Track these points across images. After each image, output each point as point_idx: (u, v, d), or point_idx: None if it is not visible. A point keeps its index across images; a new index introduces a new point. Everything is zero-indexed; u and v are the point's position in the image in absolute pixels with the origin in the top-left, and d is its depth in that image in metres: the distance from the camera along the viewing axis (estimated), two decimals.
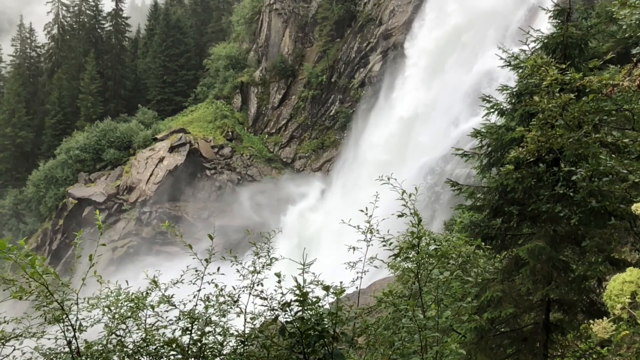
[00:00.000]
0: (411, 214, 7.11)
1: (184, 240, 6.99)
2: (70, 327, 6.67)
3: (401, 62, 56.11)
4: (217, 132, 62.49)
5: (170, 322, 7.06)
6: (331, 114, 61.38)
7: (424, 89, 50.92)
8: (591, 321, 4.80)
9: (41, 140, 72.09)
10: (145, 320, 7.29)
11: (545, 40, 10.35)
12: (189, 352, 6.66)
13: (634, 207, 5.48)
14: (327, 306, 6.45)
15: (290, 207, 55.69)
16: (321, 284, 6.46)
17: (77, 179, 60.71)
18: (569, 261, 9.72)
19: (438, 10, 54.25)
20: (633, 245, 10.35)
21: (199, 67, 75.16)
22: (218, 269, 7.06)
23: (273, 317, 6.51)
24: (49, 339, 6.91)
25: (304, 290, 6.25)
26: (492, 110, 11.07)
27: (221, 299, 7.12)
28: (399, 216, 7.24)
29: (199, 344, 6.76)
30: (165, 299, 7.15)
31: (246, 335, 6.83)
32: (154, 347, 6.84)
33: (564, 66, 9.18)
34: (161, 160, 58.75)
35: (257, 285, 7.03)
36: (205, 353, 6.77)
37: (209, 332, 6.87)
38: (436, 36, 52.28)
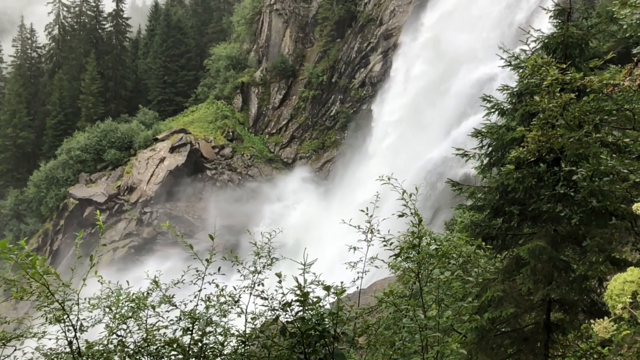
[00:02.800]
0: (412, 214, 7.11)
1: (185, 241, 7.00)
2: (71, 327, 6.68)
3: (368, 130, 54.02)
4: (217, 133, 62.53)
5: (171, 322, 7.06)
6: (332, 114, 61.39)
7: (394, 166, 48.14)
8: (592, 321, 4.80)
9: (42, 140, 72.15)
10: (146, 321, 7.29)
11: (546, 40, 10.35)
12: (190, 352, 6.67)
13: (634, 206, 5.48)
14: (328, 306, 6.45)
15: (267, 210, 54.51)
16: (322, 284, 6.47)
17: (78, 179, 60.75)
18: (569, 261, 9.72)
19: (405, 72, 51.74)
20: (634, 245, 10.35)
21: (199, 68, 75.20)
22: (219, 269, 7.07)
23: (274, 317, 6.52)
24: (50, 339, 6.92)
25: (305, 291, 6.25)
26: (493, 110, 11.06)
27: (222, 299, 7.12)
28: (400, 216, 7.24)
29: (200, 344, 6.76)
30: (166, 299, 7.16)
31: (247, 335, 6.83)
32: (154, 347, 6.85)
33: (564, 66, 9.17)
34: (162, 160, 58.77)
35: (258, 285, 7.03)
36: (206, 353, 6.78)
37: (210, 332, 6.87)
38: (404, 103, 49.32)
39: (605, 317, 4.70)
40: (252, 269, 7.14)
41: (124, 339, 7.05)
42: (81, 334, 6.76)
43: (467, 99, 40.96)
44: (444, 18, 49.83)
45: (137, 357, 6.79)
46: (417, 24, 53.16)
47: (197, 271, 7.10)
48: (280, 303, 6.50)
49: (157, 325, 7.16)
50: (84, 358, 6.64)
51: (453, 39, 46.98)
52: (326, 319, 6.16)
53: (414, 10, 54.69)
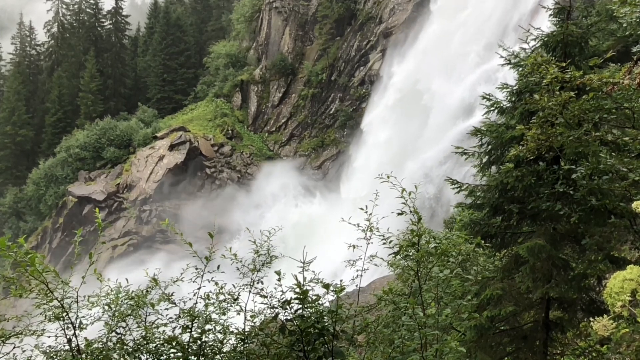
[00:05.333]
0: (411, 212, 7.11)
1: (184, 239, 6.99)
2: (70, 325, 6.69)
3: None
4: (217, 131, 62.46)
5: (171, 320, 7.06)
6: (331, 112, 61.35)
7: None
8: (591, 319, 4.81)
9: (41, 138, 72.04)
10: (145, 318, 7.29)
11: (546, 39, 10.34)
12: (189, 350, 6.67)
13: (634, 205, 5.49)
14: (327, 304, 6.45)
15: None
16: (321, 282, 6.47)
17: (77, 177, 60.69)
18: (568, 259, 9.72)
19: (375, 135, 49.41)
20: (633, 244, 10.35)
21: (199, 66, 75.08)
22: (218, 267, 7.07)
23: (273, 315, 6.52)
24: (49, 336, 6.92)
25: (304, 288, 6.25)
26: (492, 108, 11.06)
27: (221, 297, 7.12)
28: (399, 214, 7.24)
29: (199, 342, 6.77)
30: (166, 297, 7.16)
31: (246, 333, 6.83)
32: (154, 345, 6.85)
33: (564, 64, 9.17)
34: (161, 158, 58.73)
35: (257, 283, 7.03)
36: (205, 351, 6.78)
37: (209, 330, 6.88)
38: (368, 179, 45.01)
39: (605, 315, 4.70)
40: (252, 266, 7.14)
41: (123, 337, 7.05)
42: (80, 331, 6.76)
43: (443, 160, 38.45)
44: (418, 63, 47.77)
45: (137, 354, 6.79)
46: (387, 77, 52.02)
47: (197, 269, 7.10)
48: (279, 301, 6.50)
49: (156, 323, 7.16)
50: (83, 356, 6.64)
51: (428, 88, 44.72)
52: (325, 317, 6.16)
53: (412, 7, 54.64)
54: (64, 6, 79.07)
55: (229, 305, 7.13)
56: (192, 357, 6.67)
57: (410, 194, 7.15)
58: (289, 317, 6.31)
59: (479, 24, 43.63)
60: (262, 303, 6.77)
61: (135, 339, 7.04)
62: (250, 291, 7.01)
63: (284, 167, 58.94)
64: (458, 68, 43.78)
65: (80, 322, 6.80)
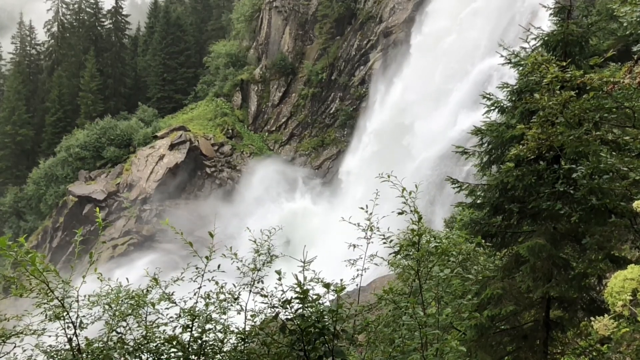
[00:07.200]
0: (411, 211, 7.12)
1: (184, 238, 7.00)
2: (70, 325, 6.69)
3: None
4: (217, 130, 62.46)
5: (171, 319, 7.07)
6: (331, 111, 61.34)
7: None
8: (592, 318, 4.81)
9: (41, 138, 72.07)
10: (145, 318, 7.29)
11: (546, 38, 10.33)
12: (190, 349, 6.67)
13: (634, 204, 5.49)
14: (328, 304, 6.45)
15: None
16: (321, 281, 6.47)
17: (78, 176, 60.69)
18: (569, 259, 9.71)
19: (354, 189, 46.95)
20: (633, 243, 10.34)
21: (199, 65, 75.10)
22: (218, 266, 7.07)
23: (273, 314, 6.52)
24: (50, 336, 6.92)
25: (305, 288, 6.25)
26: (493, 108, 11.05)
27: (221, 297, 7.12)
28: (399, 214, 7.24)
29: (200, 342, 6.77)
30: (166, 297, 7.16)
31: (247, 333, 6.84)
32: (154, 344, 6.85)
33: (564, 64, 9.17)
34: (161, 158, 58.72)
35: (258, 282, 7.03)
36: (206, 350, 6.78)
37: (210, 329, 6.88)
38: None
39: (605, 315, 4.70)
40: (252, 266, 7.14)
41: (123, 336, 7.05)
42: (81, 331, 6.76)
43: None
44: (399, 102, 46.69)
45: (137, 354, 6.79)
46: (362, 130, 51.68)
47: (197, 268, 7.11)
48: (279, 300, 6.50)
49: (156, 322, 7.16)
50: (84, 355, 6.64)
51: (410, 129, 43.76)
52: (326, 317, 6.16)
53: (412, 7, 54.60)
54: (64, 5, 79.10)
55: (229, 304, 7.13)
56: (193, 356, 6.68)
57: (410, 193, 7.15)
58: (289, 317, 6.30)
59: (461, 56, 42.70)
60: (262, 302, 6.78)
61: (136, 338, 7.04)
62: (250, 290, 7.01)
63: (272, 163, 58.97)
64: (441, 104, 42.75)
65: (81, 322, 6.80)
